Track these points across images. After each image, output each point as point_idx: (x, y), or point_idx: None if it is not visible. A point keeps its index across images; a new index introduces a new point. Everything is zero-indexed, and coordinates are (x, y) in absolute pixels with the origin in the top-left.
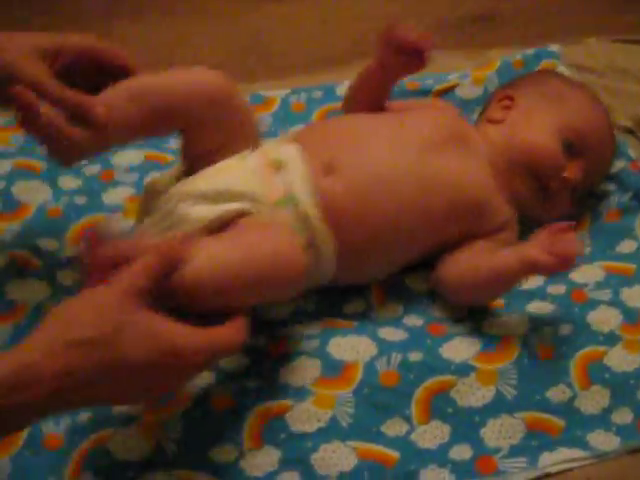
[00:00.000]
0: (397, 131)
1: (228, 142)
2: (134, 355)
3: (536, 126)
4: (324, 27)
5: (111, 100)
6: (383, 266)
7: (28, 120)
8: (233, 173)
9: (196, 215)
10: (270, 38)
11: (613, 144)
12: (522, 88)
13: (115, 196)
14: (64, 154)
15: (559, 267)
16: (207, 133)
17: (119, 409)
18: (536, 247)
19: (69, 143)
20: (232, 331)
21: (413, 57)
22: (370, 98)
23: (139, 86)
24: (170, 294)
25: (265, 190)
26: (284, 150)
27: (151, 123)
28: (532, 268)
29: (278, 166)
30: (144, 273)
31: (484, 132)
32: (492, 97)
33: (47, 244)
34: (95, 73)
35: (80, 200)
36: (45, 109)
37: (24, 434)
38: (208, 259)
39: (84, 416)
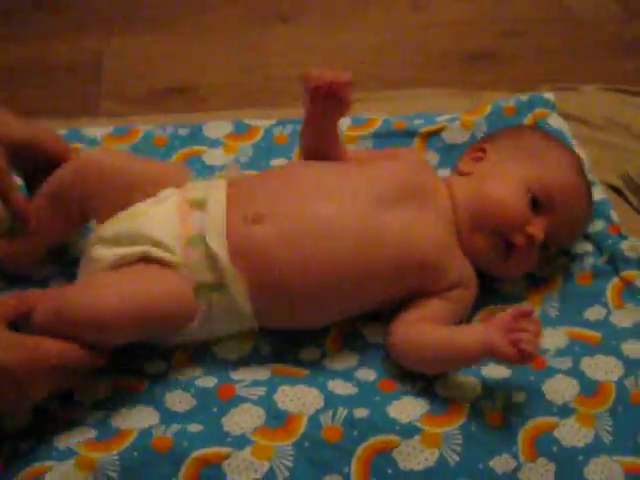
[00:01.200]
0: (348, 184)
1: (134, 198)
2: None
3: (501, 179)
4: (323, 55)
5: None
6: (317, 318)
7: None
8: (141, 216)
9: (97, 257)
10: (270, 60)
11: (586, 204)
12: (498, 141)
13: None
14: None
15: (517, 361)
16: (104, 203)
17: (60, 442)
18: (498, 333)
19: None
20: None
21: (331, 101)
22: (316, 146)
23: (52, 191)
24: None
25: (178, 229)
26: (210, 189)
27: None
28: (491, 354)
29: (199, 205)
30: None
31: (451, 185)
32: (468, 149)
33: None
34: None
35: None
36: None
37: None
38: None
39: (26, 445)
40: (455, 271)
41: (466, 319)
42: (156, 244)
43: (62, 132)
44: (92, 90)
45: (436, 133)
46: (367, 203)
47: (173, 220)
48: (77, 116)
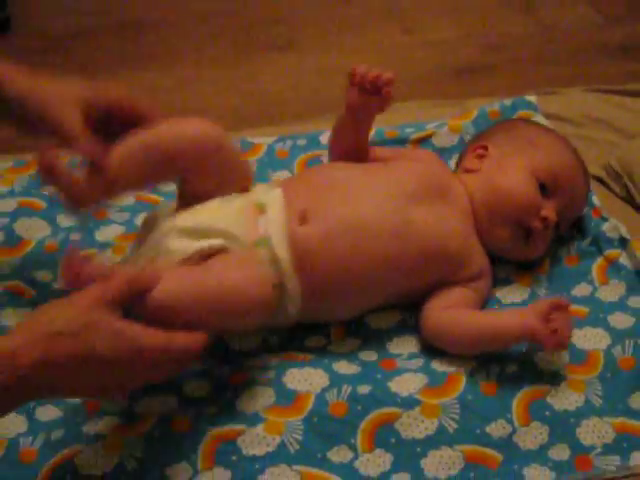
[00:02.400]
0: (376, 182)
1: (219, 186)
2: (101, 349)
3: (510, 172)
4: (319, 77)
5: (121, 155)
6: (350, 309)
7: (47, 176)
8: (217, 212)
9: (176, 248)
10: (268, 86)
11: (586, 181)
12: (494, 136)
13: (107, 233)
14: (77, 203)
15: (554, 346)
16: (200, 179)
17: (89, 428)
18: (538, 319)
19: (81, 195)
20: (190, 339)
21: (374, 94)
22: (347, 145)
23: (144, 142)
24: (141, 312)
25: (246, 230)
26: (269, 195)
27: (153, 175)
28: (530, 337)
29: (262, 209)
30: (115, 288)
31: (464, 182)
32: (466, 148)
33: (42, 276)
34: (119, 120)
35: (74, 236)
36: (62, 165)
37: (2, 448)
38: (177, 283)
39: (58, 433)
40: (476, 261)
41: None
42: (235, 239)
43: None
44: None
45: (426, 139)
46: (397, 201)
47: (242, 219)
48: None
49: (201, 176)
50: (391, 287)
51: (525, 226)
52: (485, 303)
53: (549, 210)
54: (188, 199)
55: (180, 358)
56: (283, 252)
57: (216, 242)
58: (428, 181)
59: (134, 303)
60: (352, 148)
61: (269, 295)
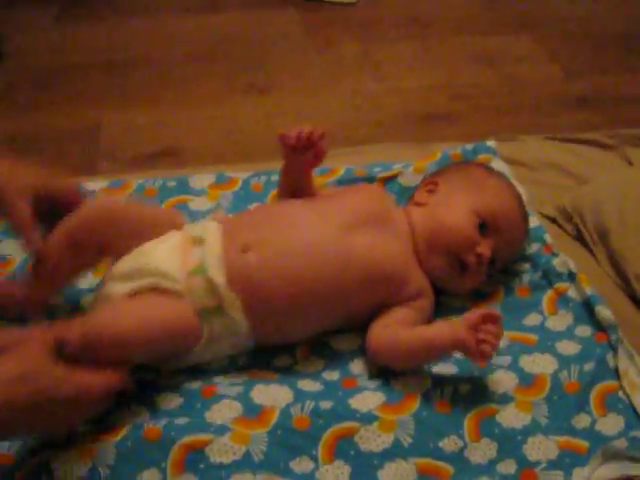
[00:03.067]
0: (318, 213)
1: (144, 238)
2: (52, 387)
3: (453, 208)
4: (294, 119)
5: (52, 246)
6: (301, 330)
7: None
8: (150, 253)
9: (111, 292)
10: (246, 126)
11: (524, 226)
12: (446, 175)
13: None
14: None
15: (479, 356)
16: (118, 243)
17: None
18: (467, 330)
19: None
20: (108, 377)
21: (307, 153)
22: (293, 189)
23: (70, 232)
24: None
25: (181, 262)
26: (206, 228)
27: (82, 255)
28: (461, 348)
29: (198, 241)
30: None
31: (409, 214)
32: (421, 183)
33: None
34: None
35: None
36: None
37: None
38: (95, 324)
39: (33, 440)
40: (415, 282)
41: None
42: (163, 276)
43: None
44: (91, 153)
45: (392, 178)
46: (335, 228)
47: (176, 255)
48: (77, 175)
49: (124, 239)
50: (336, 309)
51: (461, 259)
52: (430, 322)
53: (484, 247)
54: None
55: (102, 396)
56: (217, 275)
57: (145, 282)
58: (366, 210)
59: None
60: (298, 191)
61: (189, 324)
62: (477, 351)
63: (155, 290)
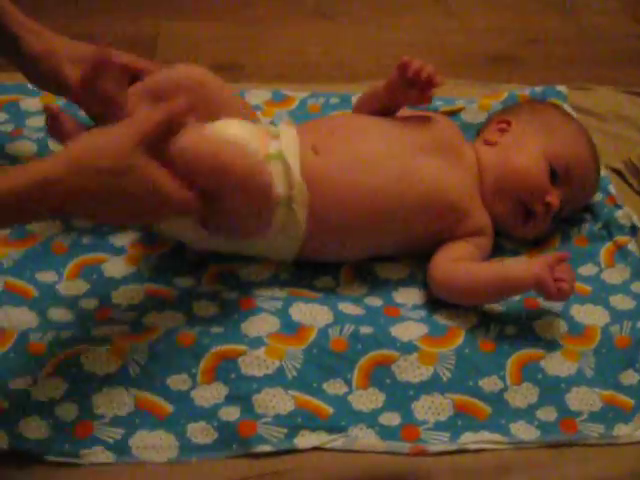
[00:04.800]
0: (391, 131)
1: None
2: (133, 190)
3: (526, 152)
4: (356, 48)
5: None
6: (352, 246)
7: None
8: (238, 126)
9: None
10: (311, 48)
11: (596, 179)
12: (520, 114)
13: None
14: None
15: (559, 298)
16: (201, 117)
17: (97, 332)
18: (546, 270)
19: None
20: (187, 195)
21: (421, 92)
22: (376, 112)
23: (144, 88)
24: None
25: (260, 145)
26: (282, 127)
27: None
28: (541, 288)
29: (274, 135)
30: (152, 131)
31: (478, 152)
32: (491, 119)
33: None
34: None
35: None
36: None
37: (11, 339)
38: (198, 137)
39: (67, 333)
40: (478, 218)
41: None
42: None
43: None
44: None
45: (455, 113)
46: (405, 146)
47: (257, 137)
48: None
49: (201, 114)
50: (392, 230)
51: (527, 207)
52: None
53: (554, 197)
54: None
55: (174, 208)
56: (295, 165)
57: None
58: (439, 138)
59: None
60: (378, 114)
61: (266, 176)
62: (556, 289)
63: None
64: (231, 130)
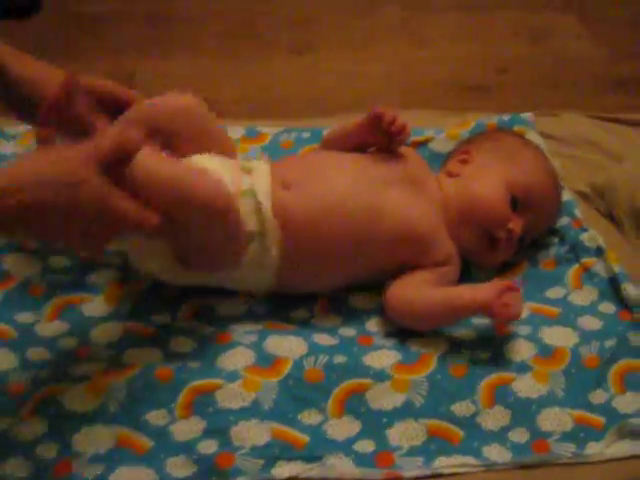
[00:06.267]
0: (357, 165)
1: (200, 149)
2: (85, 202)
3: (487, 181)
4: (332, 80)
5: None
6: (323, 279)
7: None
8: (208, 163)
9: None
10: (283, 83)
11: (558, 204)
12: (480, 144)
13: None
14: None
15: (506, 318)
16: (184, 145)
17: (77, 370)
18: (493, 294)
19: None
20: (145, 214)
21: (391, 140)
22: (343, 148)
23: (137, 116)
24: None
25: (234, 179)
26: (255, 163)
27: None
28: (484, 310)
29: (247, 171)
30: (107, 151)
31: (442, 183)
32: (454, 150)
33: None
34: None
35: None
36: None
37: None
38: (156, 161)
39: (46, 372)
40: (444, 247)
41: None
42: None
43: None
44: None
45: (424, 143)
46: (375, 181)
47: (230, 174)
48: None
49: (185, 142)
50: (363, 262)
51: (491, 234)
52: None
53: (516, 224)
54: None
55: (129, 225)
56: (266, 202)
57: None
58: (406, 172)
59: (115, 167)
60: (347, 150)
61: (232, 205)
62: (504, 314)
63: None
64: (205, 163)
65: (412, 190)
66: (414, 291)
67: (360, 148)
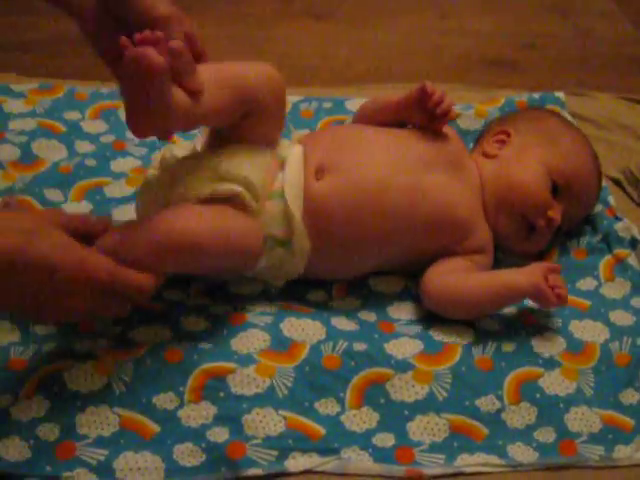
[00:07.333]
0: (400, 144)
1: (269, 131)
2: (47, 252)
3: (527, 165)
4: (350, 50)
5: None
6: (355, 268)
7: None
8: (243, 159)
9: (191, 187)
10: (301, 51)
11: (597, 192)
12: (519, 124)
13: (123, 165)
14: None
15: (557, 304)
16: (261, 120)
17: (81, 346)
18: (541, 277)
19: (168, 103)
20: (142, 276)
21: (433, 120)
22: (380, 124)
23: (224, 76)
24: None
25: (266, 180)
26: (290, 150)
27: (230, 108)
28: (538, 294)
29: (282, 163)
30: (70, 218)
31: (478, 165)
32: (489, 128)
33: (52, 194)
34: None
35: (90, 162)
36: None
37: None
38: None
39: (49, 347)
40: (481, 235)
41: None
42: (249, 188)
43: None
44: None
45: (452, 119)
46: (416, 162)
47: (264, 171)
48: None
49: (265, 117)
50: (397, 249)
51: (529, 221)
52: None
53: (556, 212)
54: (221, 140)
55: (126, 294)
56: (296, 209)
57: (230, 187)
58: (446, 152)
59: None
60: (383, 124)
61: (250, 243)
62: (554, 295)
63: (232, 202)
64: (242, 171)
65: (453, 173)
66: (454, 277)
67: (397, 125)
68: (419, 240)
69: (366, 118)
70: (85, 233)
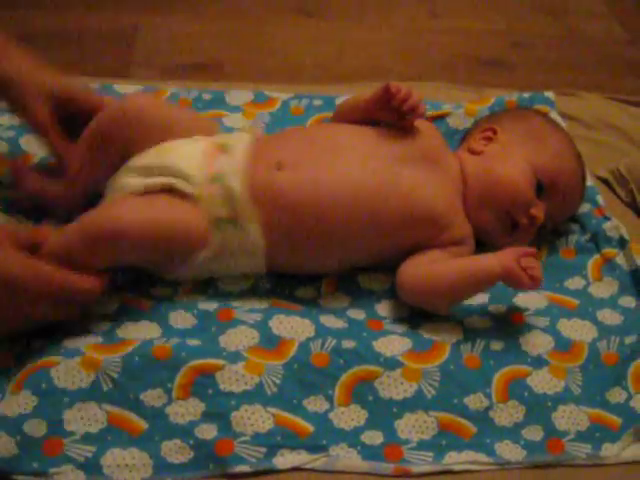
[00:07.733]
0: (367, 142)
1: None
2: (6, 272)
3: (512, 162)
4: (340, 47)
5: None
6: (326, 261)
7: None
8: (174, 151)
9: (125, 184)
10: (293, 47)
11: (582, 192)
12: (506, 122)
13: None
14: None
15: (530, 286)
16: (149, 140)
17: (69, 342)
18: (514, 259)
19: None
20: (86, 280)
21: (403, 118)
22: (354, 122)
23: (89, 134)
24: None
25: (203, 167)
26: (237, 137)
27: (105, 159)
28: (510, 276)
29: (224, 149)
30: (19, 236)
31: (462, 160)
32: (476, 126)
33: None
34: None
35: None
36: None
37: None
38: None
39: (37, 343)
40: (458, 228)
41: None
42: (182, 177)
43: (95, 87)
44: (125, 58)
45: (441, 117)
46: (388, 158)
47: (199, 157)
48: (110, 78)
49: (140, 144)
50: (370, 243)
51: (512, 218)
52: None
53: (539, 210)
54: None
55: (74, 299)
56: (237, 185)
57: (162, 180)
58: (423, 148)
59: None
60: (357, 122)
61: (193, 228)
62: (527, 277)
63: (170, 192)
64: (169, 160)
65: (428, 167)
66: (427, 267)
67: (371, 123)
68: (394, 236)
69: (341, 116)
70: (30, 245)
